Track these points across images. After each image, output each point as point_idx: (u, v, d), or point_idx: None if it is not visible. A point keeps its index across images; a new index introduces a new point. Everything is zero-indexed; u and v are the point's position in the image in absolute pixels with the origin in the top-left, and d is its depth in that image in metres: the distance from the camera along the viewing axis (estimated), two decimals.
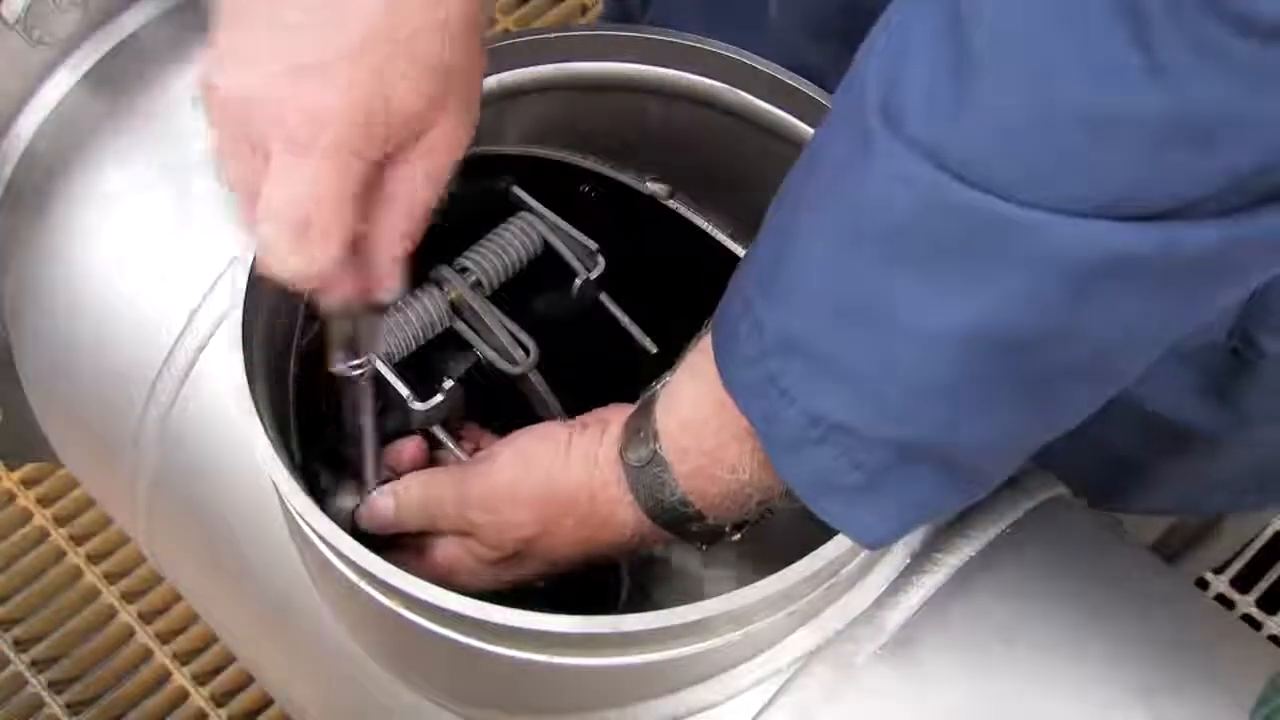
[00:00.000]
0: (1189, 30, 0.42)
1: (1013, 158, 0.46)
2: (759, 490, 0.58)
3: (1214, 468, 0.78)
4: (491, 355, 0.71)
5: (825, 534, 0.58)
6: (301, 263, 0.54)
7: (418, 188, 0.56)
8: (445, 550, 0.66)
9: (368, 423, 0.67)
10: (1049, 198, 0.45)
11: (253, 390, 0.61)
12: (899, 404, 0.51)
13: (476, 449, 0.70)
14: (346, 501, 0.69)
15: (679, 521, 0.60)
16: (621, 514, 0.61)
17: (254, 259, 0.59)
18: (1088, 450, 0.55)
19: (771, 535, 0.63)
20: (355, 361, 0.63)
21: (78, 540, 1.40)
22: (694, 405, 0.58)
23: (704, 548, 0.63)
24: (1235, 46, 0.41)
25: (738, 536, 0.63)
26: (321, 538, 0.58)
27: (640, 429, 0.60)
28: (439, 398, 0.68)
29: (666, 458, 0.59)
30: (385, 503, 0.66)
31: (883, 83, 0.48)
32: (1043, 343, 0.49)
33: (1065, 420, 0.54)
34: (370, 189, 0.55)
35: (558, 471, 0.62)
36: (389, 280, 0.58)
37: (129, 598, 1.37)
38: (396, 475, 0.68)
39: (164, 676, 1.33)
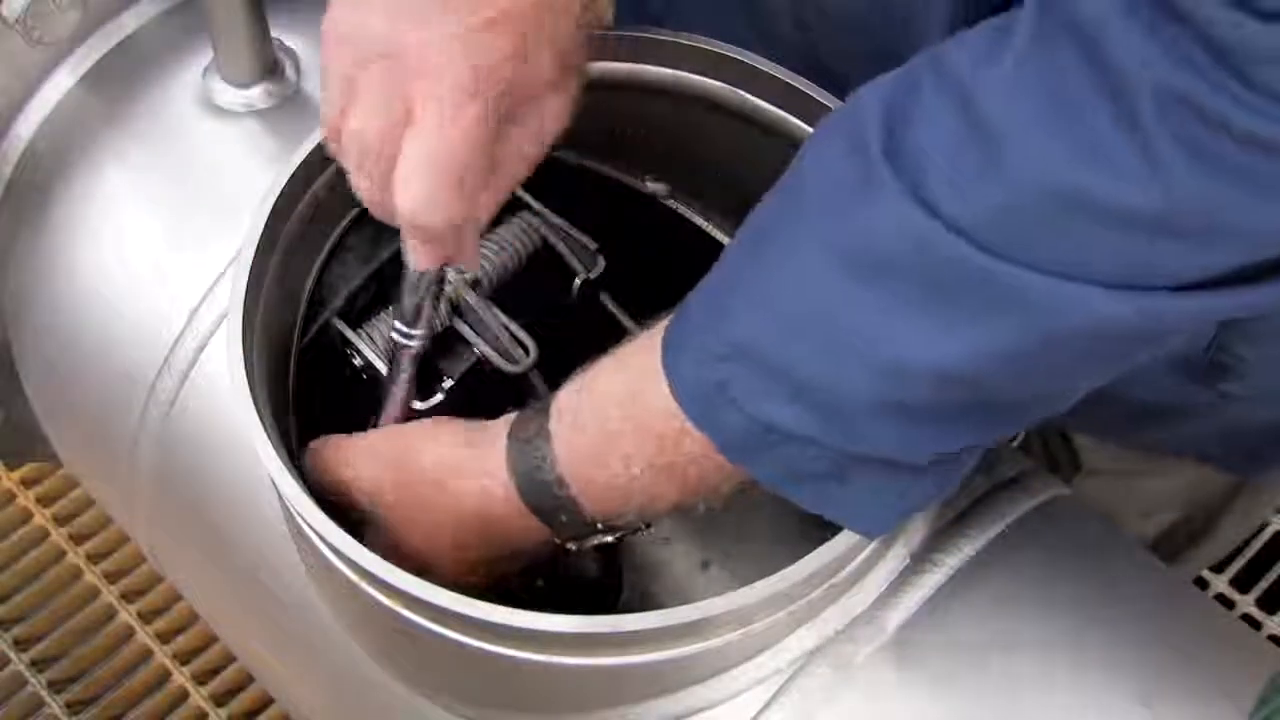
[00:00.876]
0: (1176, 133, 0.44)
1: (1010, 226, 0.47)
2: (643, 493, 0.57)
3: (1215, 424, 0.78)
4: (491, 355, 0.70)
5: (824, 535, 0.58)
6: (452, 214, 0.57)
7: (528, 151, 0.59)
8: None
9: (396, 394, 0.67)
10: (1043, 263, 0.47)
11: (253, 390, 0.61)
12: (852, 423, 0.52)
13: None
14: None
15: (551, 507, 0.59)
16: (494, 490, 0.59)
17: (403, 217, 0.60)
18: (1082, 408, 0.56)
19: (770, 535, 0.63)
20: (411, 332, 0.66)
21: (78, 540, 1.40)
22: (610, 387, 0.57)
23: (574, 548, 0.62)
24: (1220, 150, 0.43)
25: (610, 539, 0.61)
26: (322, 538, 0.58)
27: (536, 411, 0.59)
28: (439, 398, 0.68)
29: (553, 432, 0.58)
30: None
31: (889, 123, 0.49)
32: (1006, 382, 0.51)
33: (1020, 427, 0.55)
34: None
35: (427, 442, 0.62)
36: (471, 248, 0.61)
37: (129, 597, 1.37)
38: None
39: (164, 676, 1.33)
